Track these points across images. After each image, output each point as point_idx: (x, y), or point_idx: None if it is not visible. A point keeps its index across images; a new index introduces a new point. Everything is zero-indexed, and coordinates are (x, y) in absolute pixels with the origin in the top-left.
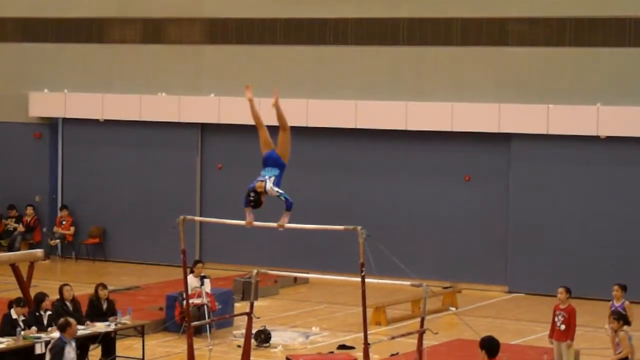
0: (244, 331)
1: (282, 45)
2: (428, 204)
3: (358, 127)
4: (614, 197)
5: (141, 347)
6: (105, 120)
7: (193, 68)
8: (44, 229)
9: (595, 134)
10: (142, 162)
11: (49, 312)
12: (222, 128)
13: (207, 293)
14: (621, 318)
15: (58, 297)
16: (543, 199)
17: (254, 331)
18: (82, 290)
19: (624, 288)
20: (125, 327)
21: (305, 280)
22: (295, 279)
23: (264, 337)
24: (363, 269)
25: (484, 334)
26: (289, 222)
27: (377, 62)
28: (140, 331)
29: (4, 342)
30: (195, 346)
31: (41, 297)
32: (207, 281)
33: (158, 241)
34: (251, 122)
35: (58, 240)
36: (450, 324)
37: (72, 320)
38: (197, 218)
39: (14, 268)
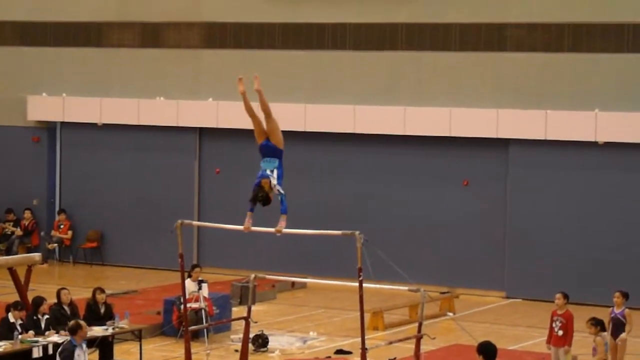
0: (241, 336)
1: (280, 50)
2: (426, 209)
3: (356, 132)
4: (612, 203)
5: (139, 351)
6: (104, 125)
7: (191, 72)
8: (42, 233)
9: (593, 139)
10: (140, 166)
11: (46, 316)
12: (220, 132)
13: (204, 297)
14: (599, 324)
15: (56, 301)
16: (541, 205)
17: (251, 336)
18: (79, 294)
19: (625, 295)
20: (123, 332)
21: (303, 285)
22: (293, 283)
23: (261, 342)
24: (361, 273)
25: (482, 340)
26: (287, 227)
27: (376, 67)
28: (137, 335)
29: (1, 346)
30: (192, 350)
31: (39, 301)
32: (204, 285)
33: (156, 245)
34: (249, 126)
35: (56, 244)
36: (447, 329)
37: (82, 322)
38: (195, 222)
39: (12, 272)
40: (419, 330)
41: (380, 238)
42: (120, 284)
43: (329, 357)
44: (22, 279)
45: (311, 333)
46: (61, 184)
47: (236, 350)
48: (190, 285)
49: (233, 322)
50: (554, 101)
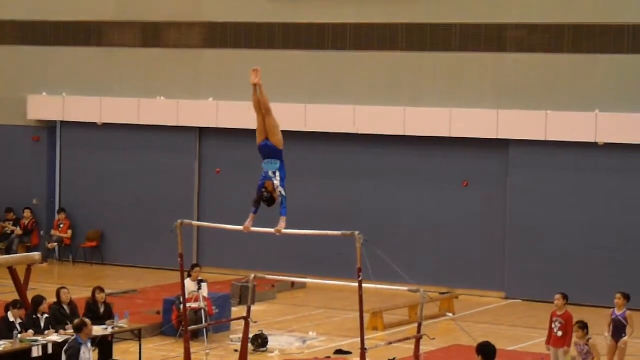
0: (241, 335)
1: (280, 50)
2: (426, 210)
3: (356, 132)
4: (612, 204)
5: (138, 351)
6: (104, 124)
7: (191, 72)
8: (42, 232)
9: (593, 140)
10: (140, 166)
11: (46, 315)
12: (220, 132)
13: (204, 297)
14: (585, 327)
15: (55, 300)
16: (541, 205)
17: (250, 336)
18: (79, 293)
19: (626, 297)
20: (123, 331)
21: (303, 285)
22: (293, 283)
23: (260, 342)
24: (360, 274)
25: (481, 340)
26: (288, 227)
27: (376, 67)
28: (137, 335)
29: (1, 345)
30: (192, 350)
31: (39, 300)
32: (204, 285)
33: (156, 245)
34: (250, 126)
35: (56, 244)
36: (447, 330)
37: (87, 320)
38: (195, 222)
39: (12, 271)
40: (419, 331)
41: (380, 238)
42: (120, 283)
43: (329, 357)
44: (21, 278)
45: (311, 333)
46: (61, 184)
47: (235, 350)
48: (189, 285)
49: (232, 322)
50: (554, 102)
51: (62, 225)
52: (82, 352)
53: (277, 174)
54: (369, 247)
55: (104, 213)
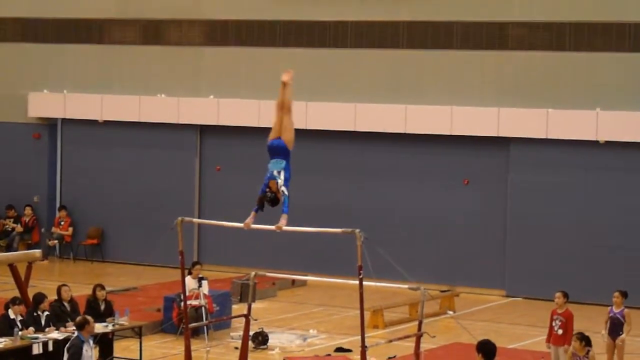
0: (241, 333)
1: (281, 48)
2: (427, 208)
3: (357, 130)
4: (613, 202)
5: (139, 348)
6: (105, 121)
7: (192, 69)
8: (43, 230)
9: (594, 138)
10: (141, 163)
11: (46, 313)
12: (221, 130)
13: (204, 295)
14: (584, 339)
15: (56, 297)
16: (542, 204)
17: (251, 333)
18: (80, 291)
19: (624, 295)
20: (123, 328)
21: (303, 283)
22: (293, 281)
23: (261, 339)
24: (361, 271)
25: (481, 338)
26: (289, 224)
27: (377, 65)
28: (137, 332)
29: (1, 342)
30: (192, 348)
31: (40, 298)
32: (205, 283)
33: (156, 242)
34: (250, 124)
35: (56, 241)
36: (447, 328)
37: (89, 318)
38: (195, 220)
39: (12, 268)
40: (419, 329)
41: (380, 236)
42: (120, 280)
43: (329, 354)
44: (22, 275)
45: (311, 331)
46: (62, 181)
47: (236, 348)
48: (190, 282)
49: (233, 320)
50: (555, 100)
51: (62, 223)
52: (84, 349)
53: (282, 173)
54: (369, 245)
55: (105, 210)
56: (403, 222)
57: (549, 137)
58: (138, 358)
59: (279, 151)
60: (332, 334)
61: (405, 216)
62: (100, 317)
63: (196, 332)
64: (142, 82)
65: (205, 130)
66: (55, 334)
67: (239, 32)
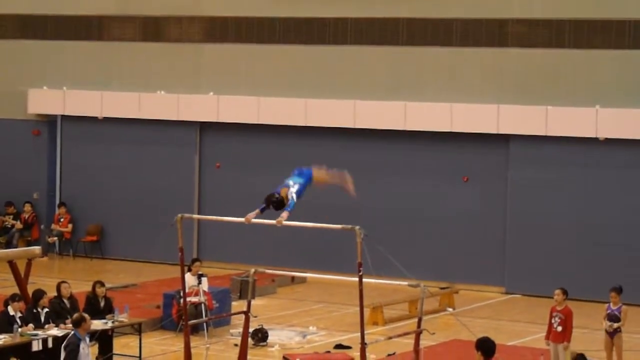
0: (241, 330)
1: (281, 45)
2: (426, 205)
3: (357, 127)
4: (612, 199)
5: (138, 345)
6: (104, 118)
7: (192, 66)
8: (42, 226)
9: (594, 135)
10: (141, 160)
11: (46, 309)
12: (220, 127)
13: (204, 291)
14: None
15: (56, 294)
16: (541, 201)
17: (251, 330)
18: (79, 287)
19: (619, 292)
20: (123, 325)
21: (303, 280)
22: (293, 278)
23: (261, 336)
24: (360, 268)
25: (481, 335)
26: (288, 220)
27: (376, 62)
28: (137, 329)
29: (1, 339)
30: (192, 344)
31: (39, 294)
32: (204, 279)
33: (156, 239)
34: (250, 121)
35: (56, 238)
36: (447, 325)
37: (86, 315)
38: (195, 216)
39: (12, 265)
40: (419, 326)
41: (380, 233)
42: (120, 277)
43: (329, 351)
44: (22, 272)
45: (311, 328)
46: (61, 177)
47: (236, 345)
48: (190, 279)
49: (233, 317)
50: (555, 97)
51: (62, 219)
52: (81, 347)
53: (296, 186)
54: (369, 242)
55: (104, 207)
56: (402, 219)
57: (549, 134)
58: (137, 355)
59: (303, 174)
60: (332, 331)
61: (405, 213)
62: (100, 314)
63: (196, 329)
64: (142, 79)
65: (205, 127)
66: (55, 331)
67: (239, 29)
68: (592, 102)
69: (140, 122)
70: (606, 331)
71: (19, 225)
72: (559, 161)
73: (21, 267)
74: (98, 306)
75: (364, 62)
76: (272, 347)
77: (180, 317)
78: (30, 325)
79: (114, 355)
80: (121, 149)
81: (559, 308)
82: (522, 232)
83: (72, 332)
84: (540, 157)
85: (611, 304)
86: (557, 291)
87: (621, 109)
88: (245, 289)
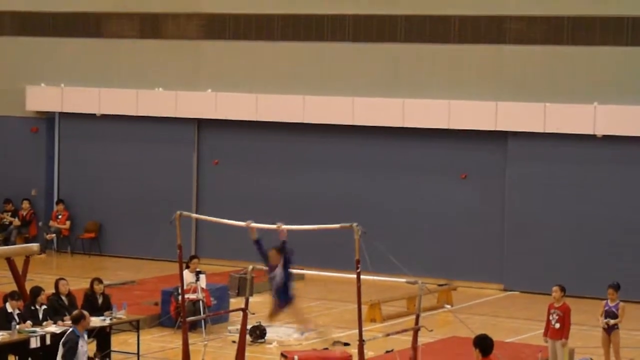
0: (239, 327)
1: (279, 41)
2: (424, 202)
3: (355, 124)
4: (610, 196)
5: (136, 341)
6: (102, 115)
7: (190, 63)
8: (40, 223)
9: (592, 132)
10: (139, 157)
11: (44, 306)
12: (218, 124)
13: (202, 288)
14: None
15: (54, 291)
16: (539, 198)
17: (249, 327)
18: (77, 284)
19: (617, 289)
20: (121, 322)
21: (301, 277)
22: None
23: (259, 333)
24: (358, 265)
25: (479, 332)
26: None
27: (375, 59)
28: (135, 326)
29: None
30: (190, 341)
31: (37, 291)
32: (202, 276)
33: (154, 236)
34: (248, 118)
35: (54, 235)
36: (445, 322)
37: (85, 312)
38: (194, 215)
39: (10, 262)
40: (417, 323)
41: (378, 230)
42: (118, 274)
43: (327, 348)
44: (20, 269)
45: None
46: (59, 175)
47: (234, 342)
48: (188, 276)
49: (231, 313)
50: (553, 94)
51: (60, 216)
52: (79, 344)
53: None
54: (367, 239)
55: (103, 204)
56: (401, 216)
57: (547, 131)
58: (135, 352)
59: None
60: (330, 328)
61: (403, 210)
62: (98, 311)
63: (194, 326)
64: (140, 76)
65: (203, 124)
66: (53, 328)
67: (237, 26)
68: (590, 99)
69: (138, 119)
70: (603, 328)
71: (16, 222)
72: (557, 158)
73: (19, 264)
74: (96, 303)
75: (362, 59)
76: (270, 344)
77: (178, 314)
78: (28, 323)
79: (112, 352)
80: (119, 146)
81: (557, 305)
82: (520, 229)
83: (71, 329)
84: (538, 154)
85: (609, 300)
86: (555, 288)
87: (619, 105)
88: (243, 286)
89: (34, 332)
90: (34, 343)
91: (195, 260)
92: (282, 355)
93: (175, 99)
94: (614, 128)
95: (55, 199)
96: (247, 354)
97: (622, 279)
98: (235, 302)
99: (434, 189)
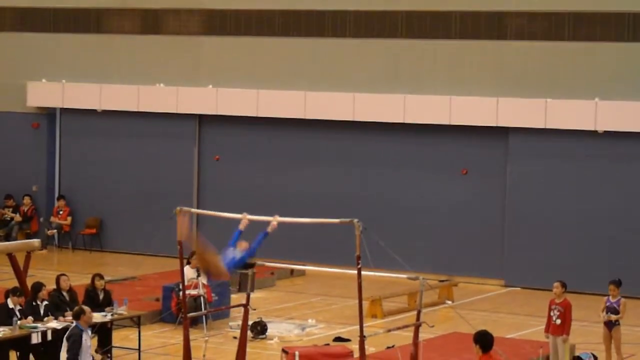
0: (240, 323)
1: (280, 37)
2: (425, 197)
3: (356, 119)
4: (611, 192)
5: (137, 337)
6: (103, 111)
7: (191, 59)
8: (41, 219)
9: (593, 128)
10: (140, 152)
11: (45, 302)
12: (219, 119)
13: (203, 284)
14: None
15: (55, 287)
16: (540, 193)
17: (250, 323)
18: (78, 280)
19: (618, 285)
20: (122, 318)
21: (302, 272)
22: (292, 271)
23: (260, 329)
24: (359, 261)
25: (480, 328)
26: (288, 213)
27: (376, 54)
28: (136, 322)
29: (0, 332)
30: (191, 337)
31: (38, 286)
32: None
33: (155, 232)
34: (249, 113)
35: (55, 230)
36: (446, 317)
37: (86, 308)
38: (194, 210)
39: (11, 258)
40: (418, 318)
41: (379, 226)
42: (119, 270)
43: (328, 344)
44: (21, 265)
45: (310, 320)
46: (60, 170)
47: (235, 337)
48: (189, 272)
49: (232, 309)
50: (554, 90)
51: (61, 212)
52: (83, 338)
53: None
54: (368, 235)
55: (104, 200)
56: (402, 211)
57: (548, 127)
58: (137, 347)
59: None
60: (331, 324)
61: (404, 206)
62: (99, 307)
63: (195, 322)
64: (141, 71)
65: (204, 120)
66: (54, 324)
67: (238, 22)
68: (592, 95)
69: (140, 115)
70: (604, 324)
71: (18, 218)
72: (558, 154)
73: (20, 259)
74: (97, 299)
75: (363, 55)
76: (271, 339)
77: (179, 310)
78: (30, 318)
79: (113, 348)
80: (120, 142)
81: (558, 301)
82: (521, 224)
83: (74, 324)
84: (539, 149)
85: (610, 296)
86: (556, 284)
87: (620, 101)
88: (244, 282)
89: (35, 327)
90: (35, 339)
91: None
92: (283, 351)
93: (176, 94)
94: (615, 124)
95: (57, 195)
96: (248, 349)
97: (623, 275)
98: (237, 298)
99: (435, 184)
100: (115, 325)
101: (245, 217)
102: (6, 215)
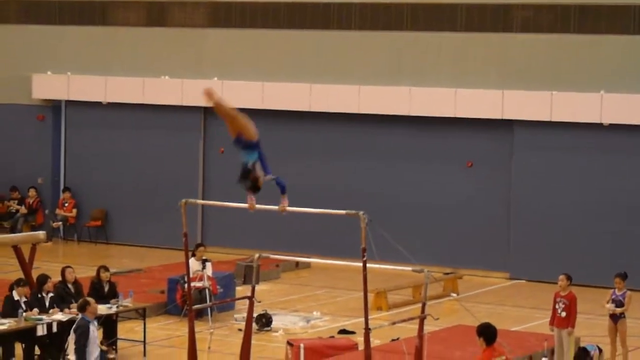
0: (245, 315)
1: (285, 30)
2: (430, 190)
3: (361, 112)
4: (616, 185)
5: (142, 329)
6: (108, 103)
7: (196, 51)
8: (47, 211)
9: (598, 121)
10: (145, 145)
11: (51, 294)
12: None
13: (208, 276)
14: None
15: (60, 279)
16: (545, 186)
17: (255, 315)
18: (84, 272)
19: (624, 277)
20: (127, 310)
21: (307, 265)
22: (297, 263)
23: (265, 321)
24: (365, 254)
25: (485, 321)
26: (292, 206)
27: (381, 47)
28: (141, 314)
29: (5, 324)
30: (196, 329)
31: (43, 279)
32: (208, 264)
33: (160, 224)
34: (254, 106)
35: (60, 223)
36: (451, 310)
37: (91, 299)
38: (200, 201)
39: (16, 250)
40: (423, 311)
41: (384, 218)
42: (124, 262)
43: (332, 336)
44: (26, 257)
45: (315, 313)
46: (66, 162)
47: (240, 330)
48: (194, 264)
49: (237, 302)
50: (560, 82)
51: (66, 204)
52: (91, 329)
53: (258, 164)
54: (373, 227)
55: (109, 192)
56: (407, 204)
57: (553, 119)
58: (142, 339)
59: (246, 145)
60: (336, 316)
61: (409, 198)
62: (104, 299)
63: (200, 314)
64: (146, 64)
65: (209, 112)
66: (59, 316)
67: (243, 14)
68: (597, 88)
69: (145, 107)
70: (610, 316)
71: (23, 210)
72: (564, 146)
73: (26, 252)
74: (102, 291)
75: (368, 47)
76: (276, 332)
77: (184, 302)
78: (35, 310)
79: (118, 340)
80: (125, 134)
81: (563, 294)
82: (526, 217)
83: (81, 316)
84: (544, 142)
85: (616, 289)
86: (561, 277)
87: (626, 94)
88: (249, 274)
89: (40, 319)
90: (41, 330)
91: (201, 248)
92: (288, 343)
93: (181, 87)
94: (621, 116)
95: (62, 187)
96: (253, 342)
97: (628, 267)
98: (242, 290)
99: (440, 177)
100: (120, 317)
101: (253, 206)
102: (11, 208)
